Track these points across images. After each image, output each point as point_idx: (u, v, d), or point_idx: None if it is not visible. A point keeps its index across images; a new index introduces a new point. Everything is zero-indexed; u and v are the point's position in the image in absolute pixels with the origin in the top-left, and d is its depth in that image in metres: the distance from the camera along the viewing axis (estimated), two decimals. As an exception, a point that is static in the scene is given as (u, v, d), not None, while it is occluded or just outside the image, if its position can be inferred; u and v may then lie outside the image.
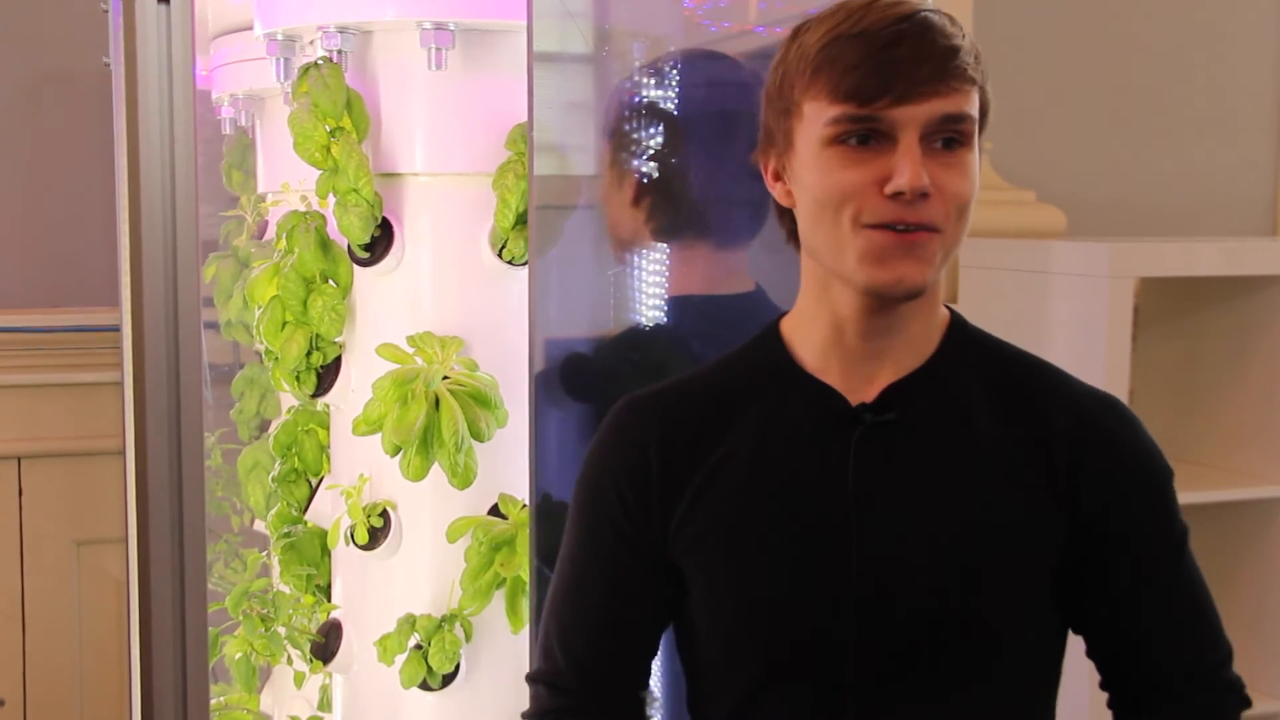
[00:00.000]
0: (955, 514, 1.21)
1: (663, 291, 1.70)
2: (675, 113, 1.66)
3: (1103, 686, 1.31)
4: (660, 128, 1.64)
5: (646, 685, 1.36)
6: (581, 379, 1.69)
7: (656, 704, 1.69)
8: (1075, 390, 1.28)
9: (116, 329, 1.97)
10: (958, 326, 1.29)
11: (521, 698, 1.65)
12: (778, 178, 1.23)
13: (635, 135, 1.64)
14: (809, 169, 1.17)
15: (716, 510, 1.26)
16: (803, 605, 1.23)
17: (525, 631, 1.67)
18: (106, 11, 1.81)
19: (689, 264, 1.67)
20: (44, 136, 2.69)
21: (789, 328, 1.29)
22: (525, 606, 1.67)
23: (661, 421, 1.29)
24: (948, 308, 1.29)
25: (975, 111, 1.15)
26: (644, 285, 1.71)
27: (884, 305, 1.19)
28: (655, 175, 1.63)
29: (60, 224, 2.70)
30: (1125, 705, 1.30)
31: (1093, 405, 1.27)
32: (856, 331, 1.22)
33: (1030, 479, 1.22)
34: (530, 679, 1.36)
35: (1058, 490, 1.22)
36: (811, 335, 1.25)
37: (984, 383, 1.26)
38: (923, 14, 1.14)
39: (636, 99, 1.66)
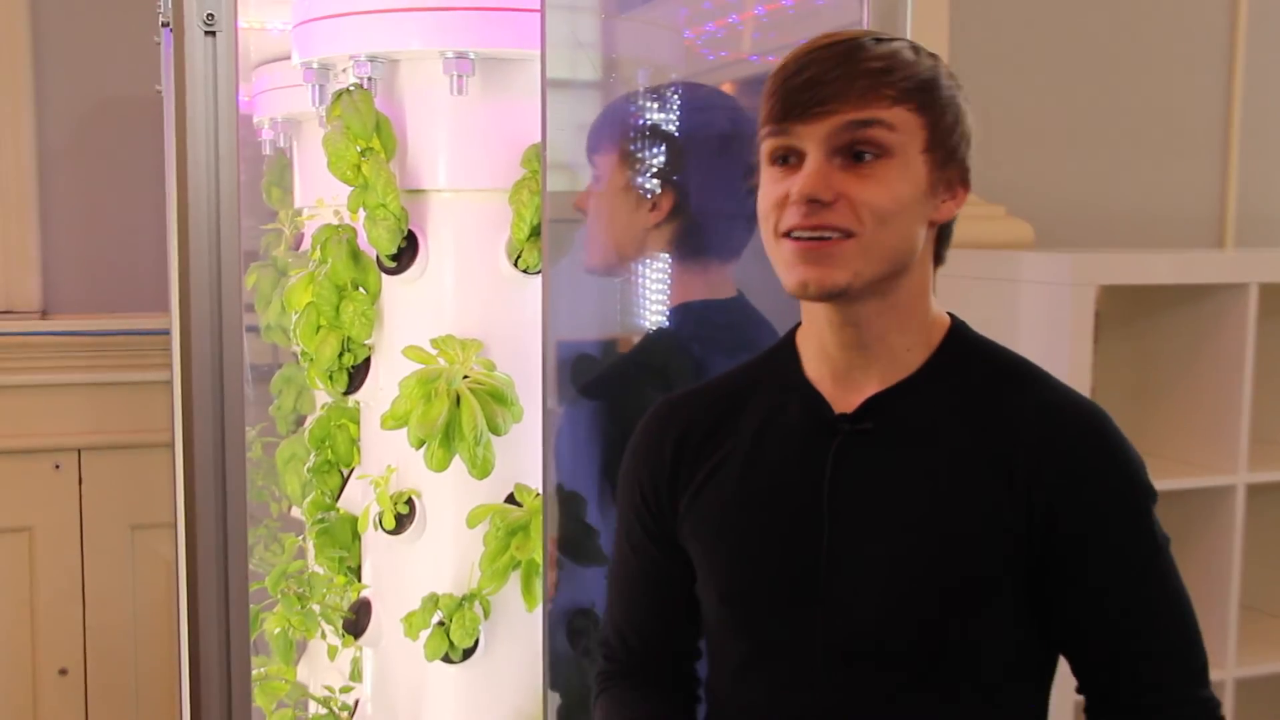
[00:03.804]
0: (915, 525, 1.16)
1: (665, 298, 1.69)
2: (695, 138, 1.66)
3: (1079, 691, 1.23)
4: (681, 153, 1.63)
5: (692, 655, 1.35)
6: (589, 379, 1.68)
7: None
8: (1051, 400, 1.20)
9: (167, 333, 1.96)
10: (956, 336, 1.23)
11: (535, 670, 1.64)
12: None
13: (659, 160, 1.63)
14: (759, 189, 1.18)
15: (711, 504, 1.25)
16: (774, 600, 1.21)
17: (539, 609, 1.65)
18: (158, 43, 1.80)
19: (695, 274, 1.65)
20: (101, 156, 2.69)
21: (800, 337, 1.27)
22: (539, 586, 1.65)
23: (682, 421, 1.29)
24: (951, 316, 1.25)
25: (892, 125, 1.12)
26: (648, 292, 1.70)
27: (846, 318, 1.17)
28: (683, 198, 1.62)
29: (116, 237, 2.70)
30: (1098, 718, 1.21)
31: (1064, 415, 1.18)
32: (833, 343, 1.20)
33: (993, 490, 1.15)
34: (598, 643, 1.40)
35: (1016, 501, 1.15)
36: (808, 346, 1.24)
37: (967, 393, 1.20)
38: (842, 43, 1.14)
39: (659, 127, 1.65)
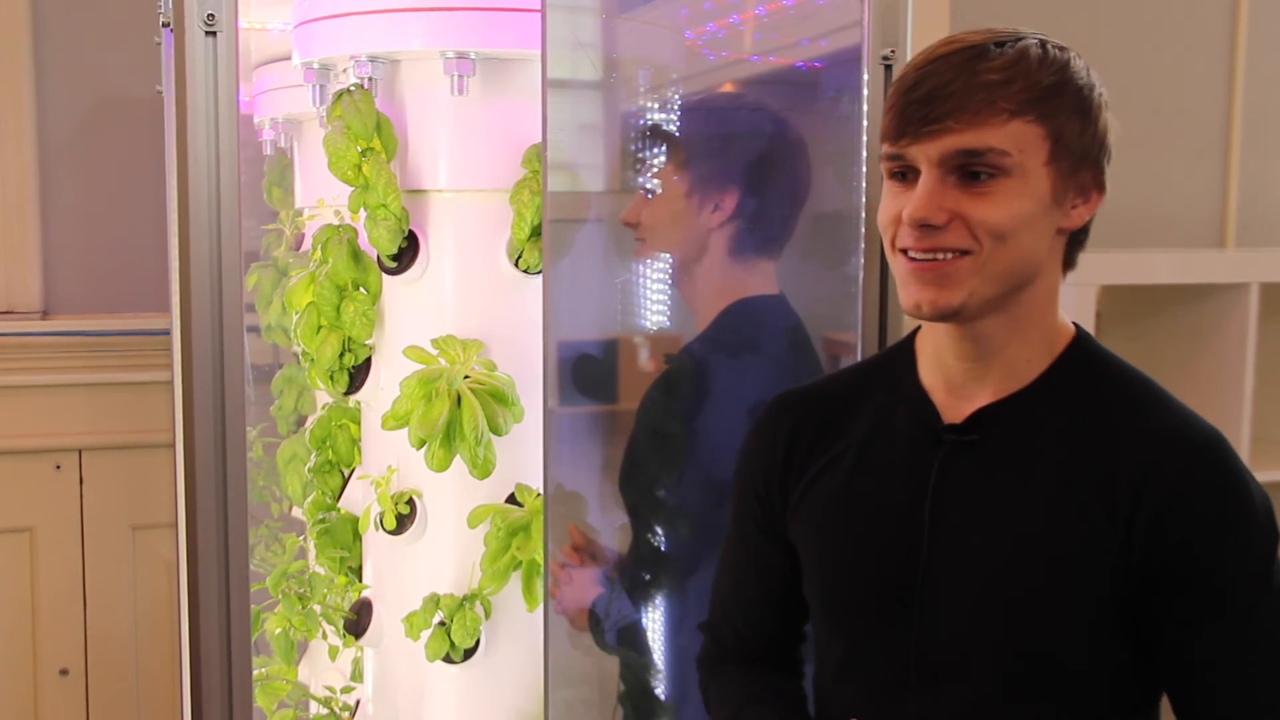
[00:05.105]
0: (1011, 542, 1.13)
1: (666, 297, 1.69)
2: (762, 146, 1.68)
3: None
4: (746, 161, 1.66)
5: (800, 639, 1.36)
6: (592, 379, 1.68)
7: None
8: (1166, 422, 1.14)
9: (167, 333, 1.96)
10: (1078, 349, 1.19)
11: (536, 670, 1.64)
12: None
13: (724, 167, 1.64)
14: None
15: (819, 503, 1.24)
16: (867, 606, 1.21)
17: (539, 609, 1.65)
18: (159, 44, 1.80)
19: (745, 273, 1.66)
20: (102, 156, 2.69)
21: (919, 341, 1.25)
22: (539, 586, 1.65)
23: (794, 417, 1.28)
24: (1076, 326, 1.20)
25: (1010, 143, 1.08)
26: (649, 292, 1.70)
27: (965, 333, 1.15)
28: (746, 202, 1.63)
29: (116, 237, 2.70)
30: None
31: (1176, 439, 1.12)
32: (951, 354, 1.18)
33: (1093, 512, 1.11)
34: (700, 627, 1.40)
35: (1116, 524, 1.10)
36: (926, 352, 1.22)
37: (1079, 409, 1.15)
38: (963, 50, 1.10)
39: (739, 136, 1.68)
